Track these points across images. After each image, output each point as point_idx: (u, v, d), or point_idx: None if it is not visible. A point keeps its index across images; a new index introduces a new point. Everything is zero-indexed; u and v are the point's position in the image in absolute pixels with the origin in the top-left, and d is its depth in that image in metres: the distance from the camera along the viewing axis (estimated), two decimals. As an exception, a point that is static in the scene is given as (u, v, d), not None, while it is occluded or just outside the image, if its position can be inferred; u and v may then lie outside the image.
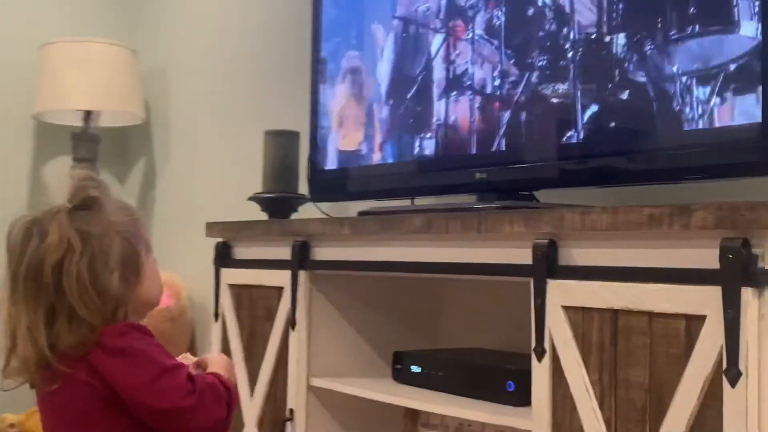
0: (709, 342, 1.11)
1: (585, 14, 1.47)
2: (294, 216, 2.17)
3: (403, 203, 1.89)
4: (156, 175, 3.25)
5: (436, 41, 1.75)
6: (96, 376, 1.12)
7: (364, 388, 1.70)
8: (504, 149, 1.60)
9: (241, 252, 2.03)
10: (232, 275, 2.02)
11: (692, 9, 1.32)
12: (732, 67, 1.26)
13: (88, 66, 2.95)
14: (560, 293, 1.30)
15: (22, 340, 1.13)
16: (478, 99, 1.65)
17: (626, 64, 1.40)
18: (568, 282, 1.29)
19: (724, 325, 1.08)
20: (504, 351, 1.77)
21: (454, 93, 1.70)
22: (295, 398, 1.79)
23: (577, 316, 1.28)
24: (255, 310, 1.93)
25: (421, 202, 1.91)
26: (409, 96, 1.80)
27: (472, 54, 1.67)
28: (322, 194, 2.06)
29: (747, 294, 1.07)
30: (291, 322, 1.81)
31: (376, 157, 1.88)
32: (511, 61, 1.59)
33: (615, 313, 1.23)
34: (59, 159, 3.17)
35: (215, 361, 1.25)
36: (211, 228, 2.09)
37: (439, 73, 1.74)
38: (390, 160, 1.85)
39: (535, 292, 1.33)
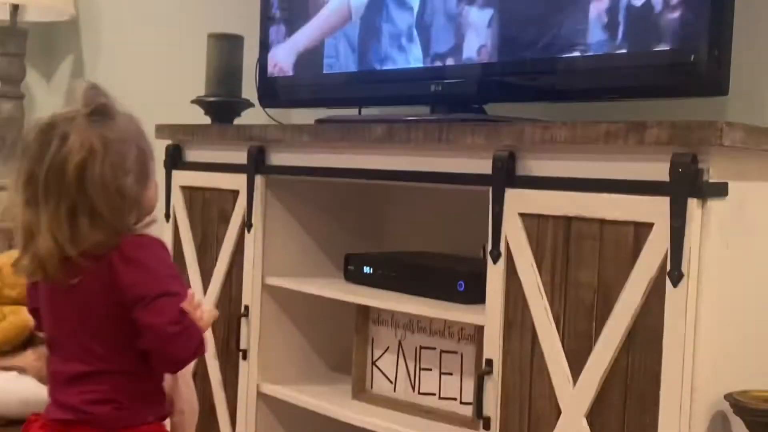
0: (655, 247, 1.23)
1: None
2: (237, 121, 2.21)
3: (351, 113, 1.96)
4: (85, 74, 3.19)
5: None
6: (114, 282, 1.20)
7: (318, 287, 1.79)
8: (457, 63, 1.67)
9: (193, 155, 2.06)
10: (183, 177, 2.05)
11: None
12: (684, -6, 1.36)
13: (17, -43, 2.85)
14: (517, 201, 1.40)
15: (43, 236, 1.17)
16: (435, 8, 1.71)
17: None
18: (525, 191, 1.39)
19: (670, 232, 1.21)
20: (451, 254, 1.89)
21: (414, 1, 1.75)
22: (251, 296, 1.86)
23: (533, 222, 1.39)
24: (208, 212, 1.98)
25: (367, 112, 1.97)
26: (366, 3, 1.84)
27: (432, -32, 1.71)
28: (271, 100, 2.10)
29: (693, 204, 1.19)
30: (246, 224, 1.87)
31: (328, 65, 1.93)
32: (471, -22, 1.65)
33: (569, 220, 1.34)
34: (-15, 53, 3.07)
35: (207, 311, 1.29)
36: (162, 130, 2.10)
37: (397, -15, 1.78)
38: (342, 69, 1.89)
39: (493, 199, 1.43)
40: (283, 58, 2.03)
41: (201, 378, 1.94)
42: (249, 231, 1.87)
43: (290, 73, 2.01)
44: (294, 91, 2.02)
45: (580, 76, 1.50)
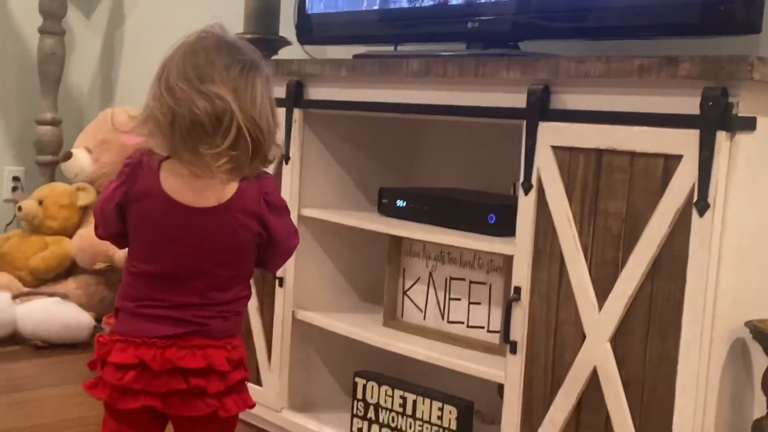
0: (684, 178, 1.27)
1: None
2: (274, 58, 2.25)
3: (386, 49, 1.99)
4: (124, 11, 3.24)
5: None
6: (261, 225, 1.30)
7: (353, 219, 1.85)
8: (493, 0, 1.71)
9: (233, 89, 2.11)
10: (223, 111, 2.10)
11: None
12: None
13: None
14: (550, 134, 1.44)
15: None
16: (474, -50, 1.73)
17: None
18: (558, 124, 1.43)
19: (699, 163, 1.25)
20: (480, 190, 1.93)
21: (451, -57, 1.78)
22: (287, 226, 1.93)
23: (565, 155, 1.43)
24: (247, 144, 2.04)
25: (403, 49, 2.01)
26: (405, -56, 1.87)
27: None
28: (308, 37, 2.14)
29: (721, 137, 1.23)
30: (284, 157, 1.93)
31: (365, 2, 1.96)
32: None
33: (600, 152, 1.38)
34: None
35: None
36: (202, 65, 2.15)
37: None
38: (379, 6, 1.93)
39: (527, 133, 1.47)
40: (321, -5, 2.07)
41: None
42: (287, 164, 1.93)
43: (328, 10, 2.05)
44: (331, 28, 2.06)
45: (614, 13, 1.53)
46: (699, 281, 1.26)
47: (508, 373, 1.50)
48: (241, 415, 1.38)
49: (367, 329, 1.82)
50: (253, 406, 1.34)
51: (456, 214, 1.73)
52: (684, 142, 1.27)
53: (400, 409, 1.77)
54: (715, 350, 1.27)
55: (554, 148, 1.44)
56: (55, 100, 3.13)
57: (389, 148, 2.08)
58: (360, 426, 1.83)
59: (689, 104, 1.27)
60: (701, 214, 1.25)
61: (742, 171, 1.26)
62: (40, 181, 3.09)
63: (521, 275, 1.49)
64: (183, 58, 1.22)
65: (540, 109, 1.45)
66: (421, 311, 1.82)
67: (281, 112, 1.93)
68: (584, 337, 1.40)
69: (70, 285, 2.74)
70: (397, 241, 1.85)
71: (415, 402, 1.75)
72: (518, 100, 1.49)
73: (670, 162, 1.29)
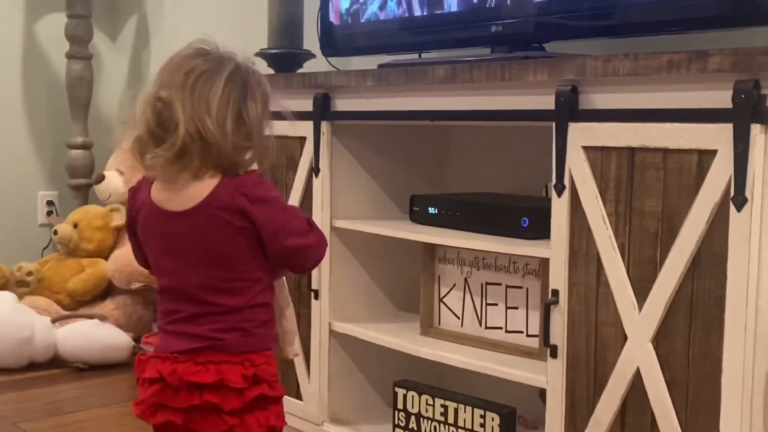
0: (719, 173, 1.26)
1: None
2: (299, 72, 2.26)
3: (411, 57, 1.99)
4: (150, 32, 3.27)
5: None
6: (245, 219, 1.27)
7: (386, 228, 1.85)
8: (518, 3, 1.70)
9: (260, 104, 2.12)
10: (251, 127, 2.11)
11: None
12: None
13: None
14: (581, 135, 1.43)
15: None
16: (495, -46, 1.73)
17: None
18: (588, 124, 1.42)
19: (734, 158, 1.23)
20: (512, 194, 1.92)
21: (471, -52, 1.77)
22: (320, 239, 1.93)
23: (596, 155, 1.42)
24: (277, 159, 2.05)
25: (427, 56, 2.01)
26: (424, -49, 1.87)
27: None
28: (332, 49, 2.14)
29: (756, 129, 1.21)
30: (314, 170, 1.94)
31: (388, 12, 1.96)
32: None
33: (632, 151, 1.37)
34: (53, 15, 3.18)
35: None
36: (229, 82, 2.16)
37: (455, -72, 1.80)
38: (402, 14, 1.93)
39: (557, 134, 1.46)
40: (343, 6, 2.07)
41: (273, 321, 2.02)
42: (317, 176, 1.94)
43: (351, 21, 2.05)
44: (355, 39, 2.06)
45: (640, 9, 1.51)
46: (740, 277, 1.24)
47: (550, 377, 1.49)
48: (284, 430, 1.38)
49: (404, 338, 1.82)
50: (279, 426, 1.33)
51: (489, 218, 1.72)
52: (718, 136, 1.25)
53: (442, 418, 1.76)
54: (759, 346, 1.25)
55: (585, 148, 1.43)
56: (85, 123, 3.17)
57: (419, 155, 2.07)
58: (402, 436, 1.83)
59: (721, 98, 1.25)
60: (739, 209, 1.23)
61: (779, 163, 1.23)
62: (73, 204, 3.12)
63: (558, 278, 1.47)
64: (157, 75, 1.30)
65: (569, 110, 1.44)
66: (458, 318, 1.82)
67: (307, 125, 1.93)
68: (625, 338, 1.38)
69: (108, 306, 2.77)
70: (430, 248, 1.85)
71: (456, 410, 1.74)
72: (546, 101, 1.48)
73: (705, 157, 1.28)
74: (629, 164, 1.37)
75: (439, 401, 1.77)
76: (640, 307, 1.36)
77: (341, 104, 1.89)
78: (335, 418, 1.95)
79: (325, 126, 1.91)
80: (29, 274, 2.78)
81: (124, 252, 2.67)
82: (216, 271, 1.28)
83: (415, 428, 1.80)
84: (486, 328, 1.77)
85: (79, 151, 3.15)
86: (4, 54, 3.16)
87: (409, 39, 1.94)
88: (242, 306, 1.30)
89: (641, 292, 1.36)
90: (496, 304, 1.75)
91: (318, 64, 2.24)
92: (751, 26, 1.41)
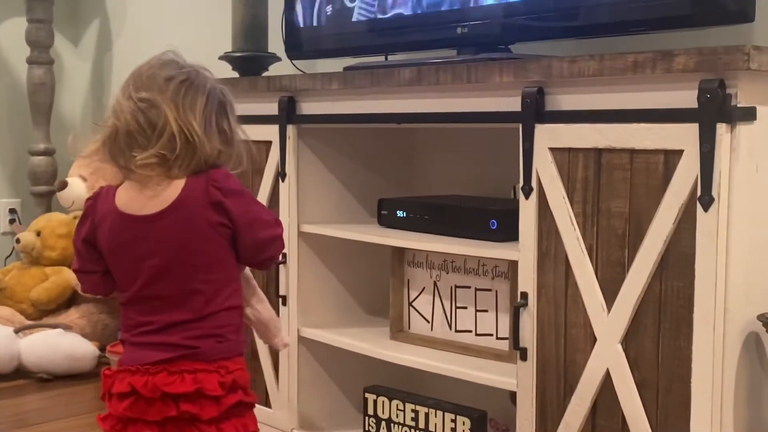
0: (686, 173, 1.26)
1: None
2: (264, 75, 2.24)
3: (377, 60, 1.98)
4: (112, 37, 3.23)
5: None
6: (220, 213, 1.26)
7: (354, 232, 1.83)
8: (483, 4, 1.69)
9: (224, 109, 2.09)
10: (216, 131, 2.09)
11: None
12: None
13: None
14: (547, 136, 1.42)
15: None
16: (459, -45, 1.72)
17: None
18: (555, 126, 1.41)
19: (700, 157, 1.23)
20: (480, 196, 1.92)
21: (436, -51, 1.76)
22: (287, 244, 1.91)
23: (563, 156, 1.41)
24: (242, 163, 2.02)
25: (394, 58, 1.99)
26: (389, -47, 1.85)
27: None
28: (297, 52, 2.12)
29: (721, 129, 1.21)
30: (280, 174, 1.91)
31: (354, 14, 1.94)
32: None
33: (599, 151, 1.36)
34: (13, 20, 3.13)
35: None
36: (192, 86, 2.13)
37: (419, -71, 1.79)
38: (367, 17, 1.91)
39: (523, 136, 1.45)
40: (308, 9, 2.05)
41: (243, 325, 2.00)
42: (283, 180, 1.92)
43: (316, 23, 2.04)
44: (320, 42, 2.04)
45: (604, 10, 1.51)
46: (708, 276, 1.24)
47: (520, 380, 1.48)
48: (252, 439, 1.35)
49: (374, 343, 1.80)
50: (256, 431, 1.31)
51: (457, 221, 1.71)
52: (684, 136, 1.25)
53: (413, 423, 1.75)
54: (728, 345, 1.25)
55: (552, 149, 1.42)
56: (47, 129, 3.11)
57: (386, 158, 2.06)
58: (373, 442, 1.81)
59: (687, 98, 1.25)
60: (706, 208, 1.23)
61: (745, 162, 1.24)
62: (36, 211, 3.07)
63: (527, 280, 1.46)
64: (129, 79, 1.30)
65: (535, 111, 1.43)
66: (428, 322, 1.80)
67: (273, 129, 1.91)
68: (595, 339, 1.38)
69: (72, 315, 2.72)
70: (399, 252, 1.83)
71: (427, 415, 1.73)
72: (513, 103, 1.47)
73: (671, 157, 1.27)
74: (596, 165, 1.37)
75: (409, 406, 1.75)
76: (609, 308, 1.36)
77: (307, 107, 1.87)
78: (305, 425, 1.93)
79: (290, 130, 1.89)
80: (-9, 283, 2.72)
81: (89, 260, 2.62)
82: (190, 272, 1.26)
83: (386, 434, 1.79)
84: (456, 331, 1.75)
85: (42, 157, 3.10)
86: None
87: (374, 41, 1.92)
88: (216, 310, 1.27)
89: (610, 293, 1.36)
90: (466, 307, 1.74)
91: (283, 67, 2.22)
92: (716, 26, 1.41)
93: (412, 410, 1.75)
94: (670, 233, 1.28)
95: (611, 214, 1.35)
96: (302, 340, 1.91)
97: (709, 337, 1.24)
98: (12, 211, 3.23)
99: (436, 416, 1.71)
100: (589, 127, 1.37)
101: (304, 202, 1.92)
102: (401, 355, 1.73)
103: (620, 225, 1.34)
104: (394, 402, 1.78)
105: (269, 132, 1.93)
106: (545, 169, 1.43)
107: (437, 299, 1.79)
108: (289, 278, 1.92)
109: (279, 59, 2.24)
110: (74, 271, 1.37)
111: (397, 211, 1.84)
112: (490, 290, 1.70)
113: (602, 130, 1.35)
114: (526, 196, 1.46)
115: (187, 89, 1.27)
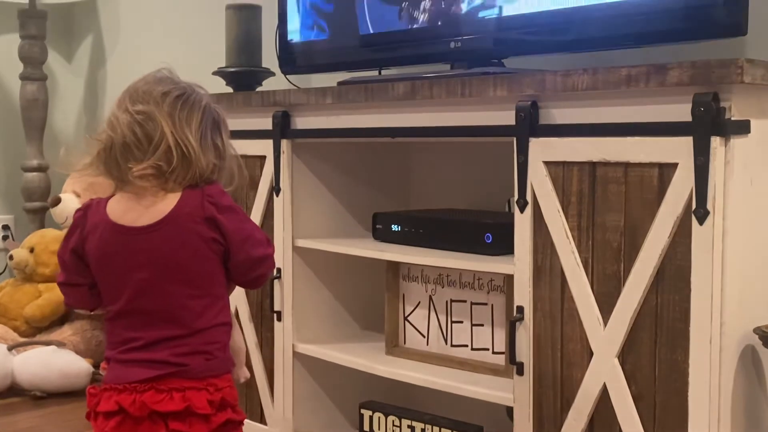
0: (680, 186, 1.25)
1: None
2: (258, 90, 2.24)
3: (370, 74, 1.98)
4: (105, 52, 3.23)
5: None
6: (214, 229, 1.26)
7: (349, 246, 1.83)
8: (476, 18, 1.69)
9: (218, 124, 2.09)
10: (210, 147, 2.08)
11: None
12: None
13: (33, -60, 2.88)
14: (542, 150, 1.42)
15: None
16: (452, -30, 1.72)
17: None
18: (549, 139, 1.41)
19: (695, 170, 1.23)
20: (475, 209, 1.91)
21: (429, -36, 1.76)
22: (282, 259, 1.90)
23: (558, 170, 1.41)
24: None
25: (387, 73, 1.99)
26: (382, -33, 1.86)
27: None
28: (291, 66, 2.12)
29: (716, 142, 1.21)
30: (275, 189, 1.91)
31: (347, 29, 1.94)
32: (486, -67, 1.66)
33: (593, 165, 1.36)
34: (6, 36, 3.12)
35: None
36: (186, 101, 2.13)
37: (412, -56, 1.79)
38: (361, 32, 1.91)
39: (518, 150, 1.45)
40: (301, 24, 2.06)
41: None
42: (278, 195, 1.91)
43: (309, 38, 2.04)
44: (314, 57, 2.04)
45: (597, 24, 1.51)
46: (704, 289, 1.24)
47: (517, 395, 1.47)
48: (247, 457, 1.35)
49: (369, 359, 1.79)
50: None
51: (452, 235, 1.71)
52: (678, 149, 1.25)
53: (409, 438, 1.74)
54: (725, 358, 1.24)
55: (546, 163, 1.42)
56: (40, 145, 3.11)
57: (381, 173, 2.06)
58: (369, 458, 1.80)
59: (680, 111, 1.25)
60: (701, 221, 1.23)
61: (740, 175, 1.24)
62: (30, 228, 3.06)
63: (523, 294, 1.46)
64: (125, 93, 1.31)
65: (529, 125, 1.43)
66: (424, 336, 1.80)
67: (267, 144, 1.91)
68: (591, 353, 1.37)
69: (65, 332, 2.70)
70: (394, 266, 1.83)
71: (423, 430, 1.72)
72: (507, 117, 1.47)
73: (666, 171, 1.27)
74: (591, 179, 1.37)
75: (405, 422, 1.75)
76: (605, 322, 1.35)
77: (301, 122, 1.87)
78: (301, 442, 1.92)
79: (285, 144, 1.89)
80: (-16, 300, 2.71)
81: (82, 276, 2.61)
82: (180, 287, 1.25)
83: (382, 449, 1.78)
84: (452, 346, 1.75)
85: (35, 173, 3.09)
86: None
87: (368, 56, 1.92)
88: (205, 327, 1.26)
89: (606, 307, 1.35)
90: (462, 322, 1.73)
91: (277, 82, 2.22)
92: (709, 39, 1.41)
93: (408, 426, 1.74)
94: (666, 246, 1.28)
95: (606, 228, 1.35)
96: (297, 355, 1.90)
97: (706, 351, 1.24)
98: (5, 227, 3.22)
99: (432, 432, 1.71)
100: (584, 140, 1.37)
101: (298, 217, 1.91)
102: (397, 370, 1.72)
103: (615, 238, 1.34)
104: (390, 418, 1.77)
105: (263, 147, 1.92)
106: (540, 183, 1.43)
107: (433, 313, 1.78)
108: (283, 293, 1.91)
109: (273, 74, 2.24)
110: (59, 284, 1.35)
111: (392, 225, 1.84)
112: (485, 304, 1.70)
113: (596, 143, 1.35)
114: (521, 210, 1.46)
115: (183, 104, 1.28)
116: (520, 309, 1.46)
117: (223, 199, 1.28)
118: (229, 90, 2.25)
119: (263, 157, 1.93)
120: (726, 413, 1.24)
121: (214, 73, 2.27)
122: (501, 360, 1.65)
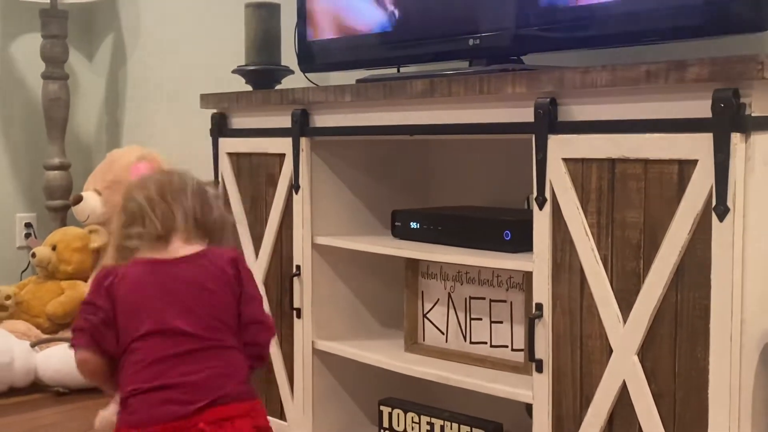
0: (700, 183, 1.25)
1: None
2: (277, 88, 2.25)
3: (389, 71, 1.98)
4: (126, 51, 3.25)
5: None
6: (236, 270, 1.43)
7: (368, 244, 1.83)
8: (495, 15, 1.69)
9: (238, 122, 2.11)
10: (230, 144, 2.10)
11: None
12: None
13: (54, -60, 2.90)
14: (561, 147, 1.42)
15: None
16: (471, -33, 1.72)
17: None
18: (568, 136, 1.41)
19: (715, 167, 1.23)
20: (494, 207, 1.91)
21: (447, -39, 1.76)
22: (301, 256, 1.91)
23: (577, 167, 1.41)
24: (256, 176, 2.03)
25: (406, 70, 2.00)
26: (400, -35, 1.86)
27: None
28: (310, 64, 2.13)
29: (736, 138, 1.21)
30: (294, 186, 1.92)
31: (366, 27, 1.95)
32: (504, -71, 1.66)
33: (612, 162, 1.36)
34: (28, 36, 3.15)
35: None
36: (206, 99, 2.15)
37: (430, -58, 1.79)
38: (380, 29, 1.92)
39: (536, 147, 1.45)
40: (320, 22, 2.06)
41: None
42: (297, 193, 1.92)
43: (328, 36, 2.04)
44: (333, 55, 2.05)
45: (616, 20, 1.51)
46: (724, 286, 1.23)
47: (536, 392, 1.47)
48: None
49: (389, 355, 1.80)
50: None
51: (471, 232, 1.71)
52: (698, 146, 1.25)
53: (428, 435, 1.75)
54: (746, 356, 1.24)
55: (565, 160, 1.42)
56: (62, 144, 3.13)
57: (400, 170, 2.06)
58: (388, 454, 1.80)
59: (700, 107, 1.24)
60: (721, 218, 1.22)
61: (760, 172, 1.23)
62: (52, 226, 3.09)
63: (541, 291, 1.46)
64: (156, 188, 1.47)
65: (548, 122, 1.43)
66: (443, 333, 1.80)
67: (286, 141, 1.92)
68: (611, 351, 1.37)
69: (88, 328, 2.72)
70: (413, 263, 1.83)
71: (442, 427, 1.72)
72: (526, 114, 1.47)
73: (686, 167, 1.27)
74: (610, 175, 1.37)
75: (424, 419, 1.75)
76: (625, 319, 1.35)
77: (320, 120, 1.88)
78: (320, 438, 1.93)
79: (304, 142, 1.90)
80: (7, 297, 2.73)
81: (104, 273, 2.63)
82: (209, 310, 1.37)
83: (402, 446, 1.78)
84: (471, 343, 1.75)
85: (57, 172, 3.12)
86: (-21, 76, 3.12)
87: (387, 53, 1.92)
88: (233, 349, 1.38)
89: (625, 304, 1.35)
90: (481, 319, 1.73)
91: (296, 80, 2.23)
92: (729, 35, 1.40)
93: (428, 423, 1.75)
94: (686, 243, 1.27)
95: (626, 225, 1.35)
96: (316, 352, 1.91)
97: (726, 348, 1.23)
98: (28, 225, 3.25)
99: (451, 428, 1.71)
100: (603, 137, 1.36)
101: (317, 214, 1.92)
102: (416, 367, 1.72)
103: (635, 235, 1.34)
104: (409, 414, 1.77)
105: (283, 145, 1.93)
106: (559, 180, 1.43)
107: (451, 311, 1.78)
108: (303, 290, 1.92)
109: (292, 72, 2.25)
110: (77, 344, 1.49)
111: (411, 223, 1.84)
112: (504, 301, 1.70)
113: (616, 140, 1.35)
114: (540, 207, 1.46)
115: (201, 194, 1.49)
116: (539, 306, 1.46)
117: (243, 260, 1.47)
118: (249, 88, 2.26)
119: (282, 155, 1.94)
120: (746, 410, 1.24)
121: (234, 72, 2.28)
122: (520, 357, 1.65)
